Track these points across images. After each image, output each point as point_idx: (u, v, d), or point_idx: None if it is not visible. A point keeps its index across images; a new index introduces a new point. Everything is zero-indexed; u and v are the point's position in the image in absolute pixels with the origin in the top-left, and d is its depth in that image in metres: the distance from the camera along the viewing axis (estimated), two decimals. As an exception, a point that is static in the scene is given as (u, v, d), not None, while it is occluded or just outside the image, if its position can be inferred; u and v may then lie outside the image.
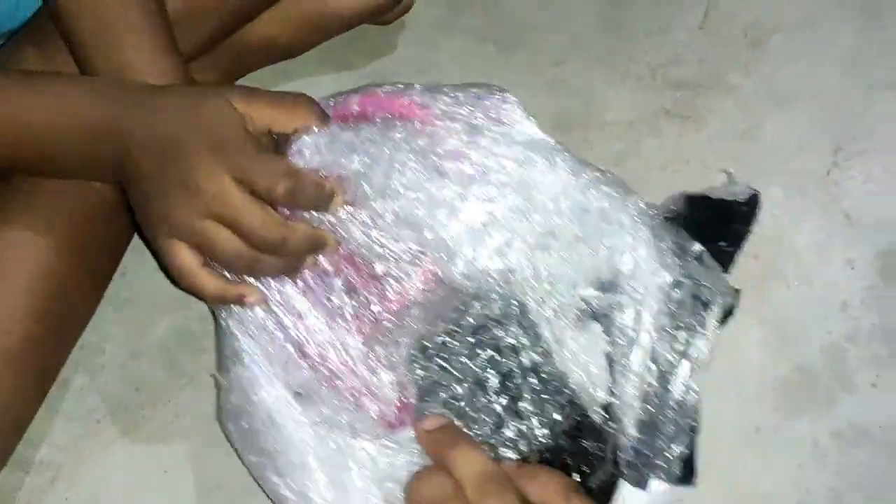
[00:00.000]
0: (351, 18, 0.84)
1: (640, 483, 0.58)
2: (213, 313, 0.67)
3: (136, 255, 0.78)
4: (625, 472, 0.58)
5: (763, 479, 0.70)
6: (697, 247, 0.60)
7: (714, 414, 0.66)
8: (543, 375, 0.59)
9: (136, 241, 0.78)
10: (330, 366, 0.61)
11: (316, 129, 0.60)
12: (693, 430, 0.60)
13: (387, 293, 0.60)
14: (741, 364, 0.74)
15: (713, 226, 0.66)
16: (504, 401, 0.59)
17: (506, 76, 0.89)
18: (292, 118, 0.60)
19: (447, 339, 0.61)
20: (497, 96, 0.61)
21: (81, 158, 0.63)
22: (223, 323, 0.63)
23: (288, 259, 0.61)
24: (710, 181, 0.83)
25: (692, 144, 0.86)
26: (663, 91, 0.88)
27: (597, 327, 0.59)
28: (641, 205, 0.59)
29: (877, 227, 0.80)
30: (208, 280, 0.61)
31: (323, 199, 0.59)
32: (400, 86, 0.62)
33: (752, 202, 0.68)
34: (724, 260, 0.65)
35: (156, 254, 0.63)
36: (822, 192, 0.82)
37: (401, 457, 0.56)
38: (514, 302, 0.59)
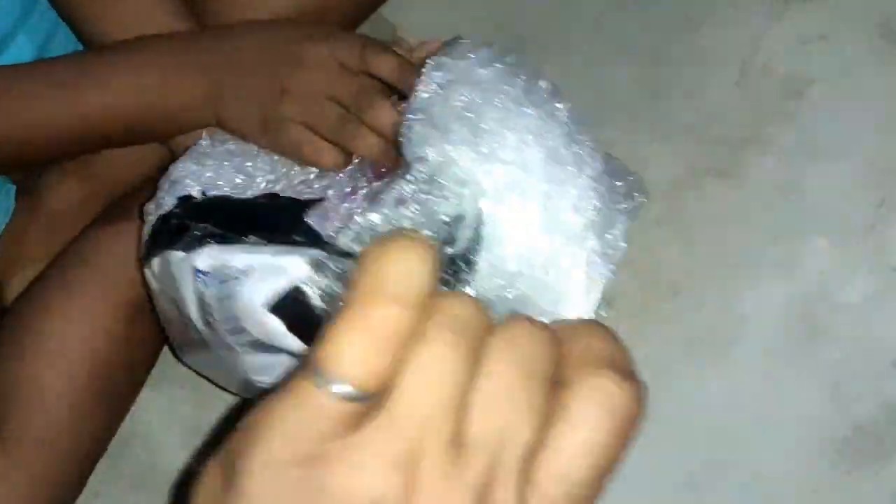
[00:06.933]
0: None
1: None
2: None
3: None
4: None
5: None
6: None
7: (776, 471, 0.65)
8: None
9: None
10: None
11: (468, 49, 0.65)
12: None
13: None
14: (800, 421, 0.73)
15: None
16: None
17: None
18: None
19: None
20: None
21: (179, 116, 0.66)
22: None
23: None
24: (752, 239, 0.84)
25: (734, 201, 0.85)
26: (702, 148, 0.88)
27: None
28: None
29: (926, 280, 0.79)
30: (326, 148, 0.65)
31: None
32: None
33: None
34: None
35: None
36: (868, 247, 0.81)
37: None
38: None
